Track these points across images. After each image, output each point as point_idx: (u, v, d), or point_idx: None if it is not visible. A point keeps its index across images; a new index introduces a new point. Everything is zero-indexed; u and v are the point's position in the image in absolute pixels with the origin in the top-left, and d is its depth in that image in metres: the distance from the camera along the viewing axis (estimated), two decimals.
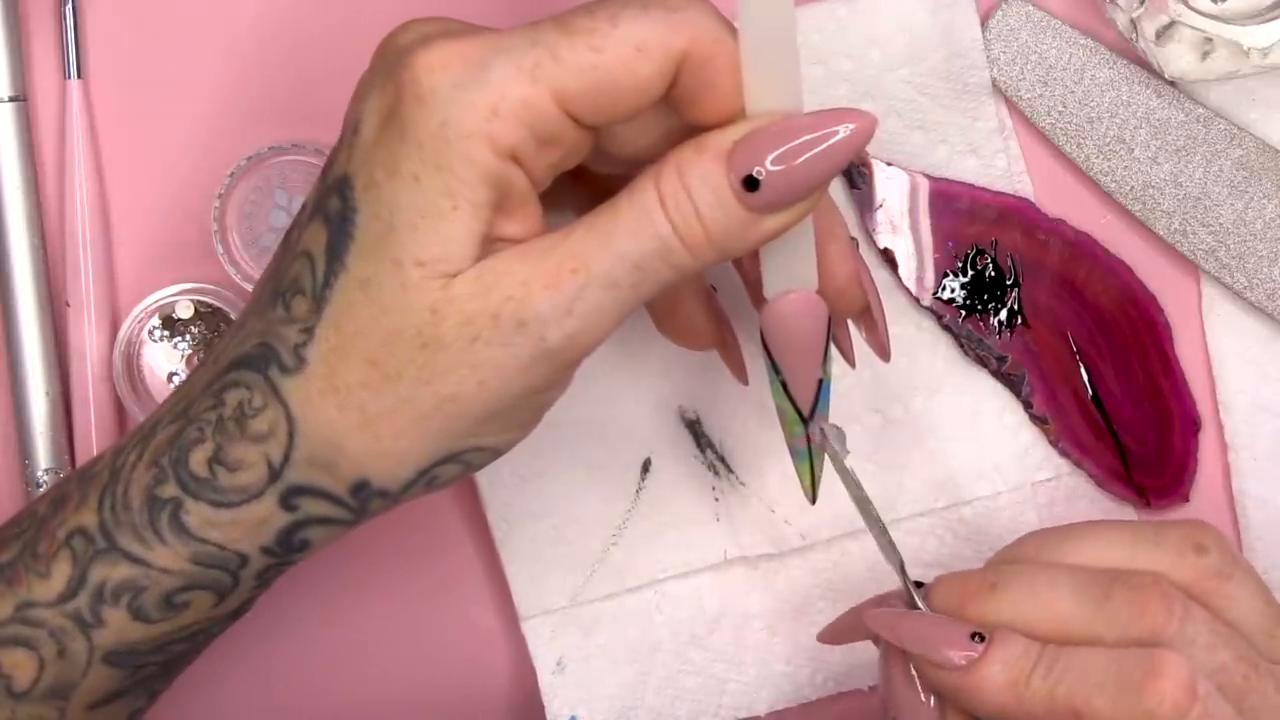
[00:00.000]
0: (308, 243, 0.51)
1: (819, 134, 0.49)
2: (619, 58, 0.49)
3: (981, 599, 0.53)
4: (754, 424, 0.65)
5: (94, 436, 0.66)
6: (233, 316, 0.66)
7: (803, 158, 0.49)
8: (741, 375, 0.61)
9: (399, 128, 0.49)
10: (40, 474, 0.66)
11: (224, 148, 0.66)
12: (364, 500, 0.52)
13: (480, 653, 0.67)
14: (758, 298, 0.56)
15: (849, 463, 0.57)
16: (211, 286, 0.66)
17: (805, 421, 0.57)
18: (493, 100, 0.49)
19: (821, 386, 0.56)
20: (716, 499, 0.66)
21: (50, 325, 0.66)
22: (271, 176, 0.66)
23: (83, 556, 0.53)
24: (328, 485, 0.52)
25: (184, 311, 0.66)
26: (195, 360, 0.66)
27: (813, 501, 0.59)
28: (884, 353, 0.59)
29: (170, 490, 0.52)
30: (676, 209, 0.49)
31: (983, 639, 0.52)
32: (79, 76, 0.66)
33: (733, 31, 0.50)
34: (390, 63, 0.50)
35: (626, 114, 0.50)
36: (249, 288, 0.65)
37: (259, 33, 0.66)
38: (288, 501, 0.52)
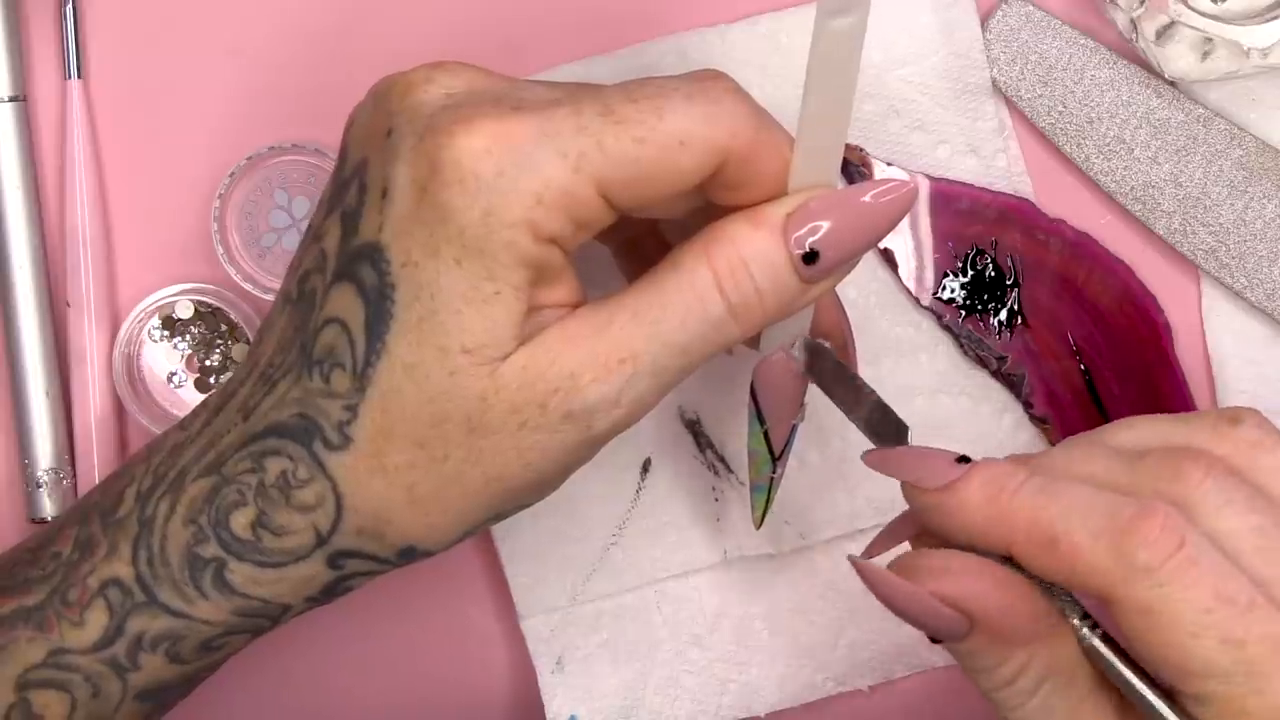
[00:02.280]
0: (340, 310, 0.51)
1: (867, 203, 0.50)
2: (663, 151, 0.49)
3: (1017, 474, 0.50)
4: None
5: (94, 436, 0.66)
6: (233, 316, 0.66)
7: (856, 227, 0.50)
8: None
9: (439, 210, 0.49)
10: (40, 474, 0.66)
11: (224, 148, 0.66)
12: (409, 559, 0.53)
13: (480, 652, 0.67)
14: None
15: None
16: (211, 286, 0.66)
17: (774, 461, 0.58)
18: (538, 190, 0.49)
19: (793, 430, 0.58)
20: (716, 499, 0.66)
21: (50, 325, 0.66)
22: (271, 176, 0.66)
23: (120, 608, 0.53)
24: (375, 550, 0.52)
25: (184, 311, 0.66)
26: (195, 361, 0.66)
27: (758, 527, 0.61)
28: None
29: (212, 550, 0.52)
30: (735, 288, 0.50)
31: (967, 462, 0.50)
32: (79, 76, 0.66)
33: (772, 122, 0.50)
34: (419, 127, 0.50)
35: (660, 201, 0.50)
36: (249, 288, 0.65)
37: (259, 33, 0.66)
38: (334, 563, 0.53)
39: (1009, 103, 0.66)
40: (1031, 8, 0.65)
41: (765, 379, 0.56)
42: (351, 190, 0.51)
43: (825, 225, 0.50)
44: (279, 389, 0.52)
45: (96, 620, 0.53)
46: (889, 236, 0.65)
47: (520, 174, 0.48)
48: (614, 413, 0.51)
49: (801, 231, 0.50)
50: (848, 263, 0.51)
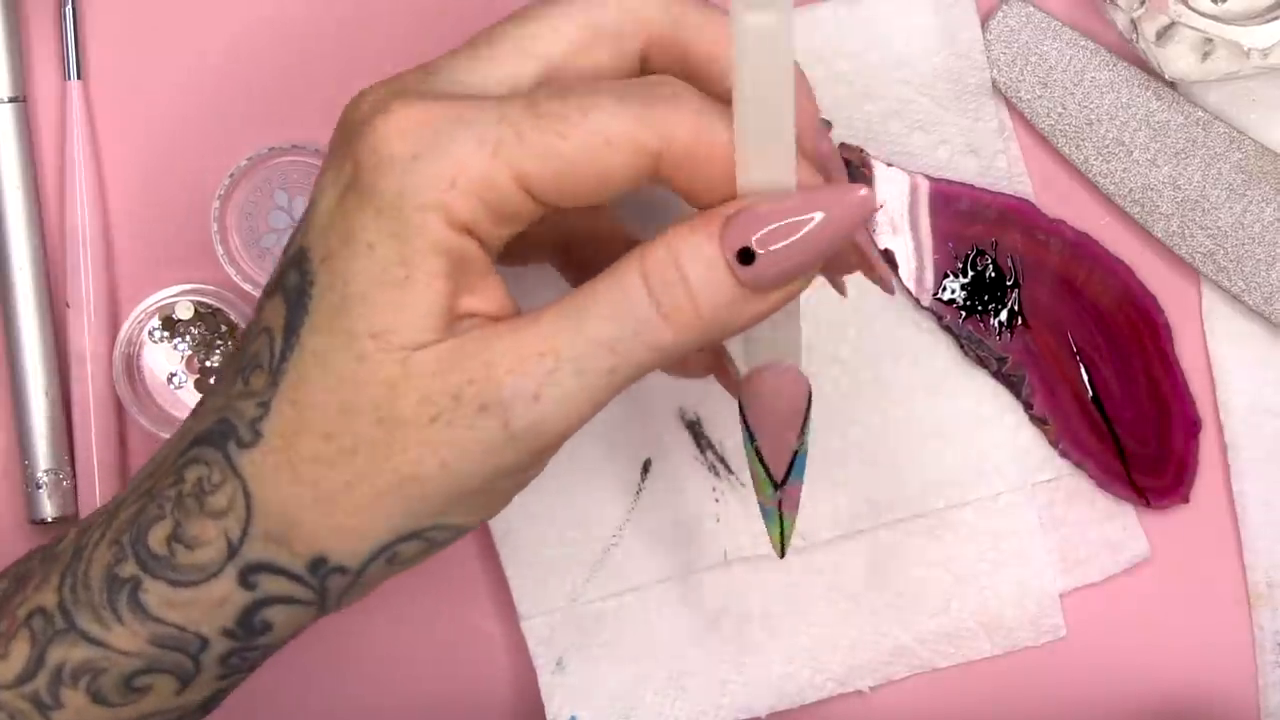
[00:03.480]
0: (268, 318, 0.50)
1: (817, 210, 0.48)
2: (586, 148, 0.48)
3: None
4: None
5: (94, 437, 0.66)
6: (233, 317, 0.66)
7: (800, 234, 0.48)
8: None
9: (357, 195, 0.48)
10: (40, 474, 0.65)
11: (224, 148, 0.66)
12: (322, 578, 0.51)
13: (480, 652, 0.67)
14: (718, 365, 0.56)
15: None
16: (211, 287, 0.66)
17: (777, 487, 0.56)
18: (450, 173, 0.48)
19: (796, 457, 0.55)
20: (716, 500, 0.66)
21: (50, 326, 0.66)
22: (271, 177, 0.66)
23: (41, 637, 0.51)
24: (285, 562, 0.50)
25: (184, 312, 0.66)
26: (195, 361, 0.66)
27: (781, 556, 0.58)
28: (888, 286, 0.57)
29: (129, 569, 0.51)
30: (664, 287, 0.48)
31: None
32: (79, 77, 0.66)
33: (721, 117, 0.48)
34: (348, 135, 0.49)
35: (591, 200, 0.49)
36: (249, 288, 0.65)
37: (259, 33, 0.66)
38: (246, 579, 0.51)
39: (1009, 103, 0.66)
40: (1032, 9, 0.65)
41: (749, 397, 0.53)
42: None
43: (766, 227, 0.48)
44: (207, 404, 0.51)
45: (20, 651, 0.51)
46: (889, 236, 0.65)
47: (436, 156, 0.48)
48: (534, 408, 0.48)
49: (738, 232, 0.48)
50: (797, 273, 0.49)
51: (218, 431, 0.50)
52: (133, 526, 0.51)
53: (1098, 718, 0.67)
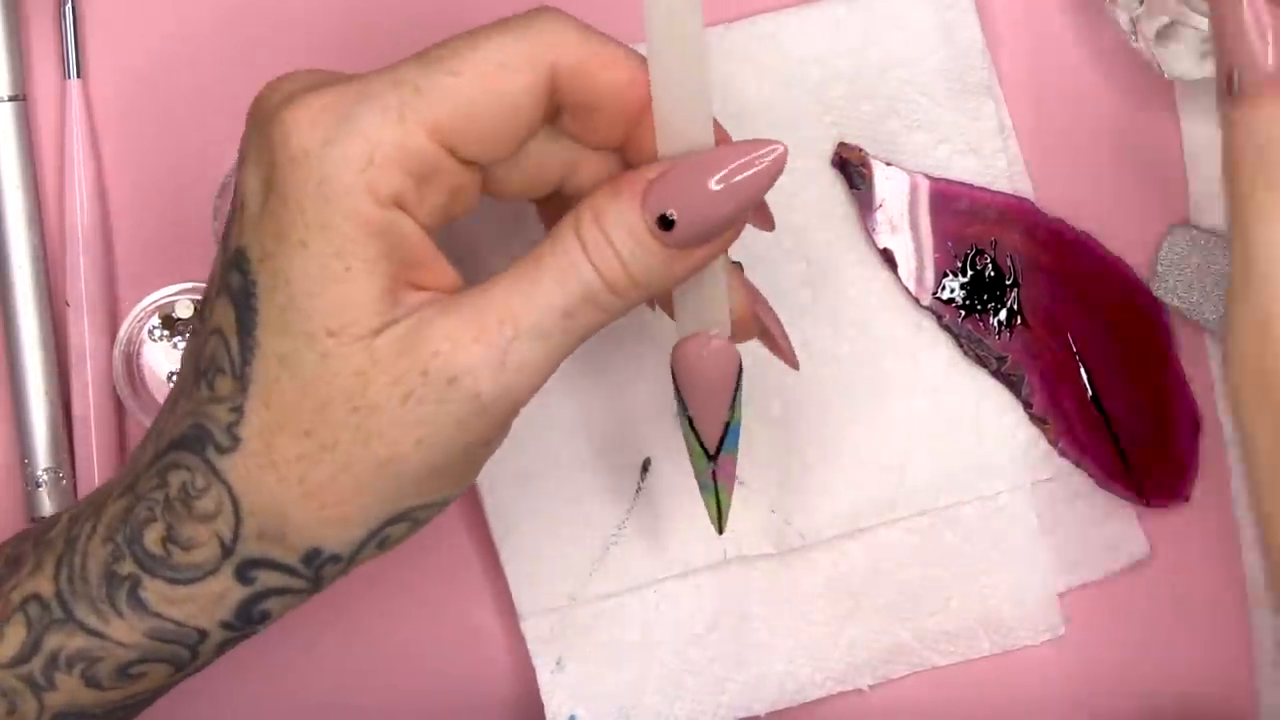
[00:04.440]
0: (218, 319, 0.51)
1: (731, 169, 0.50)
2: (482, 78, 0.49)
3: None
4: (753, 424, 0.65)
5: (94, 436, 0.66)
6: None
7: (717, 194, 0.50)
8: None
9: (280, 193, 0.49)
10: (40, 474, 0.66)
11: (224, 148, 0.66)
12: (317, 568, 0.52)
13: (479, 651, 0.67)
14: None
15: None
16: None
17: (710, 459, 0.57)
18: (365, 150, 0.48)
19: (729, 428, 0.56)
20: None
21: (50, 325, 0.66)
22: None
23: (38, 624, 0.52)
24: (280, 557, 0.51)
25: (184, 311, 0.66)
26: None
27: (720, 532, 0.60)
28: (793, 362, 0.59)
29: (128, 567, 0.52)
30: (599, 254, 0.50)
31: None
32: (79, 76, 0.66)
33: (604, 36, 0.50)
34: (261, 125, 0.50)
35: (508, 141, 0.50)
36: None
37: (259, 32, 0.66)
38: (244, 575, 0.52)
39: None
40: (1195, 231, 0.65)
41: (678, 363, 0.55)
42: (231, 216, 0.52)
43: (682, 192, 0.49)
44: (178, 407, 0.52)
45: (15, 635, 0.52)
46: (888, 236, 0.65)
47: (346, 139, 0.48)
48: (501, 377, 0.49)
49: (656, 199, 0.49)
50: (717, 230, 0.50)
51: (193, 437, 0.51)
52: (125, 526, 0.52)
53: (1096, 717, 0.67)
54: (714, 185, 0.49)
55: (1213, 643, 0.67)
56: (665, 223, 0.50)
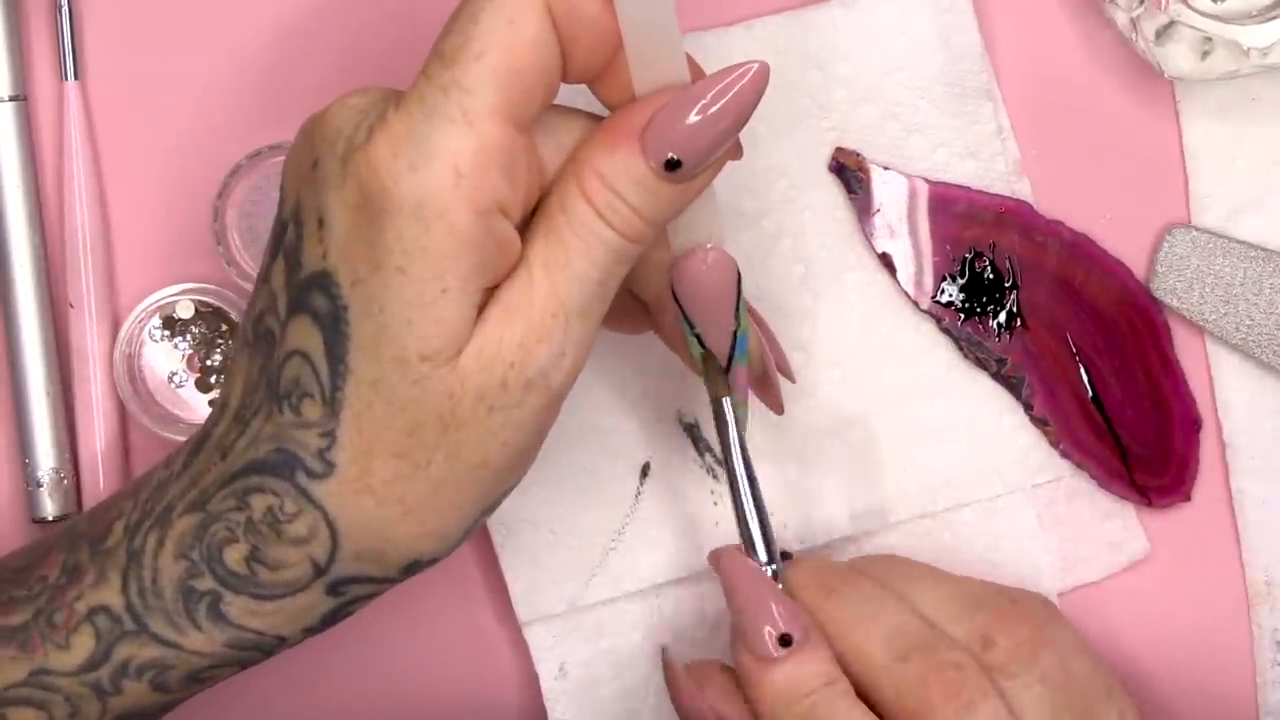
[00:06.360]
0: (298, 342, 0.51)
1: (719, 91, 0.50)
2: (502, 45, 0.49)
3: (818, 596, 0.56)
4: (752, 428, 0.65)
5: (95, 436, 0.66)
6: (233, 316, 0.66)
7: (711, 122, 0.50)
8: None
9: (373, 222, 0.49)
10: (41, 473, 0.66)
11: (224, 148, 0.66)
12: (414, 572, 0.54)
13: (482, 659, 0.67)
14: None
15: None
16: (212, 286, 0.66)
17: (725, 370, 0.57)
18: (451, 165, 0.49)
19: (736, 337, 0.57)
20: (715, 503, 0.66)
21: (51, 325, 0.66)
22: (272, 176, 0.66)
23: (108, 635, 0.53)
24: (377, 573, 0.53)
25: (184, 311, 0.66)
26: (196, 360, 0.66)
27: (779, 413, 0.62)
28: (779, 409, 0.61)
29: (207, 584, 0.53)
30: (614, 214, 0.51)
31: (788, 645, 0.55)
32: (76, 78, 0.66)
33: None
34: (340, 155, 0.50)
35: (553, 82, 0.51)
36: (249, 287, 0.65)
37: (259, 32, 0.66)
38: (335, 590, 0.53)
39: (1191, 323, 0.66)
40: (1195, 233, 0.65)
41: (680, 278, 0.55)
42: (290, 229, 0.52)
43: (679, 131, 0.50)
44: (252, 427, 0.52)
45: (83, 644, 0.53)
46: (887, 240, 0.65)
47: (427, 159, 0.49)
48: (563, 364, 0.51)
49: (657, 144, 0.50)
50: (714, 151, 0.51)
51: (279, 462, 0.52)
52: (200, 544, 0.53)
53: None
54: (708, 115, 0.50)
55: (1212, 642, 0.67)
56: (671, 165, 0.51)
